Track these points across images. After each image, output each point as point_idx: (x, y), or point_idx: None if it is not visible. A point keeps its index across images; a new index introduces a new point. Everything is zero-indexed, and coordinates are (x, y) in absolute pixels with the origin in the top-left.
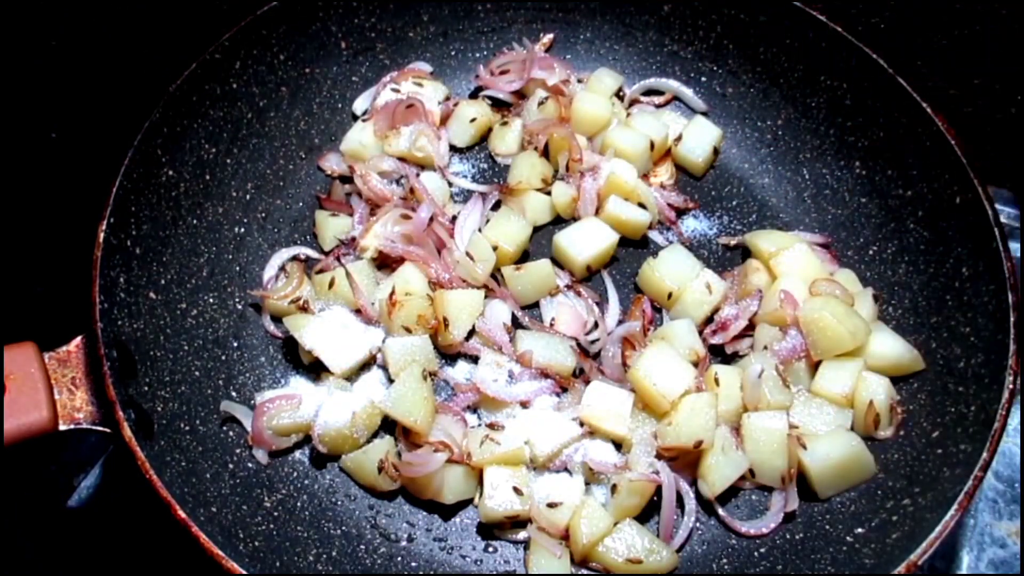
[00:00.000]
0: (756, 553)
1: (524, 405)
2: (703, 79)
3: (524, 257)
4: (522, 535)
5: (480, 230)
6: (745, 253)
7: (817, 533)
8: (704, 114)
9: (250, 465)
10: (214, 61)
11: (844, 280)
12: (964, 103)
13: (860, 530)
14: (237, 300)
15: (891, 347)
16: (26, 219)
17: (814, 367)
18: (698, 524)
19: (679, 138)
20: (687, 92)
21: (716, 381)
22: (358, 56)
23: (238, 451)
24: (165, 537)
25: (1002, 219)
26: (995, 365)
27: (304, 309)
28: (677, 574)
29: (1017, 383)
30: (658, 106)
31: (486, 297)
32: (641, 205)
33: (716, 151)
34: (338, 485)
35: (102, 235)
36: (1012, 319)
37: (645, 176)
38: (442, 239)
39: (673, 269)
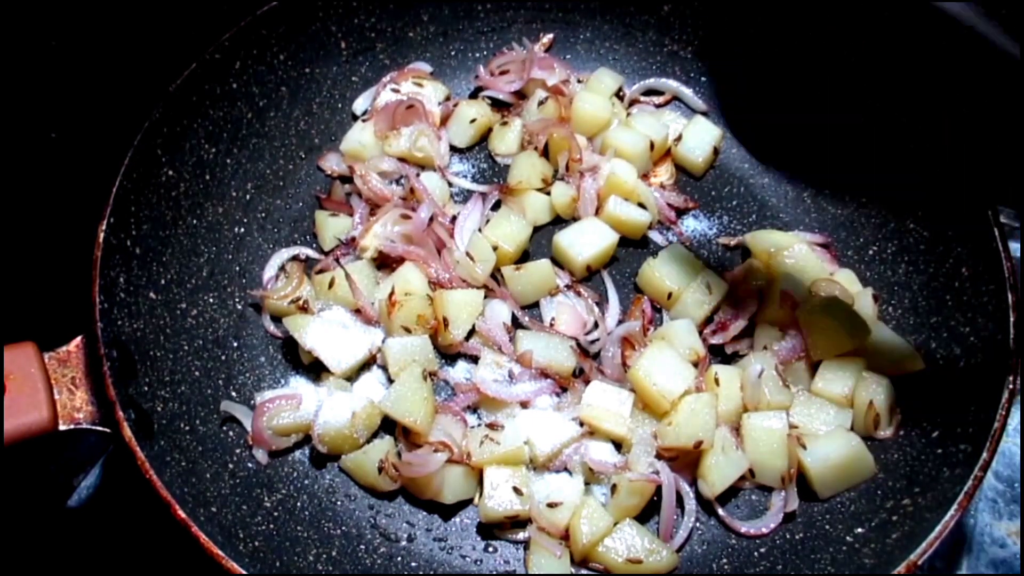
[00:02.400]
0: (756, 553)
1: (524, 405)
2: (703, 79)
3: (524, 257)
4: (522, 535)
5: (480, 230)
6: (745, 253)
7: (817, 533)
8: (704, 114)
9: (250, 465)
10: (214, 61)
11: (844, 280)
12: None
13: (860, 530)
14: (237, 300)
15: (891, 347)
16: (26, 219)
17: (814, 367)
18: (698, 524)
19: (679, 138)
20: (687, 92)
21: (716, 381)
22: (358, 56)
23: (238, 451)
24: (165, 537)
25: (1002, 219)
26: (995, 365)
27: (304, 309)
28: (677, 574)
29: (1017, 383)
30: (658, 106)
31: (486, 297)
32: (641, 205)
33: (716, 151)
34: (338, 485)
35: (102, 235)
36: (1012, 319)
37: (645, 176)
38: (442, 239)
39: (673, 269)
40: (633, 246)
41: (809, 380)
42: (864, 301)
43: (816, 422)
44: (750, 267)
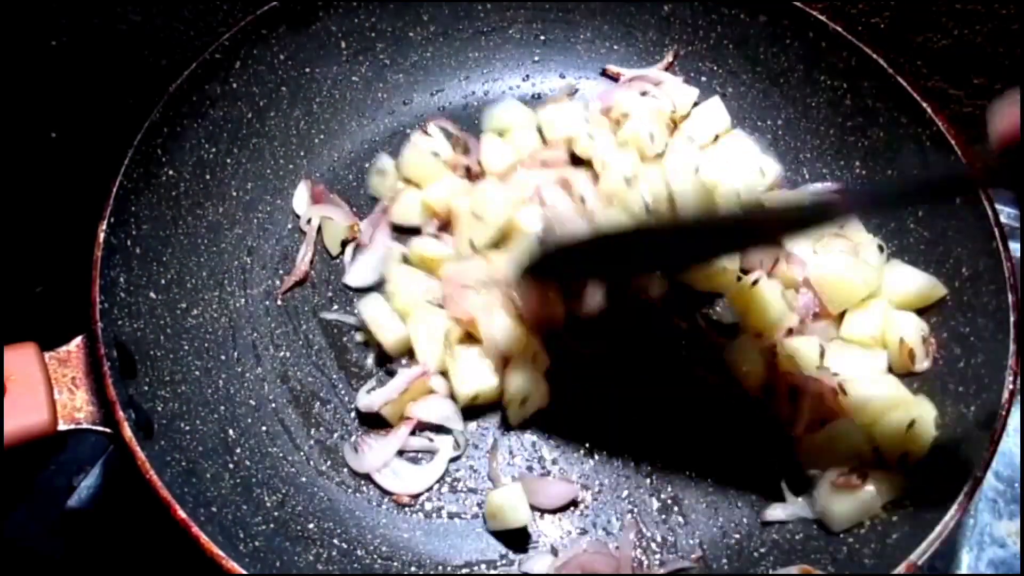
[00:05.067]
0: (756, 553)
1: None
2: (703, 79)
3: None
4: None
5: None
6: None
7: (817, 533)
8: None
9: (249, 465)
10: (214, 61)
11: (851, 231)
12: (964, 103)
13: (860, 530)
14: (237, 300)
15: (910, 279)
16: (26, 219)
17: (839, 318)
18: (699, 525)
19: (687, 116)
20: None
21: None
22: (358, 56)
23: (238, 451)
24: (165, 537)
25: (1002, 219)
26: (995, 365)
27: None
28: (676, 575)
29: (1017, 383)
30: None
31: None
32: None
33: (717, 139)
34: (339, 485)
35: (102, 235)
36: (1012, 319)
37: None
38: None
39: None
40: None
41: (836, 330)
42: (870, 249)
43: (852, 368)
44: None
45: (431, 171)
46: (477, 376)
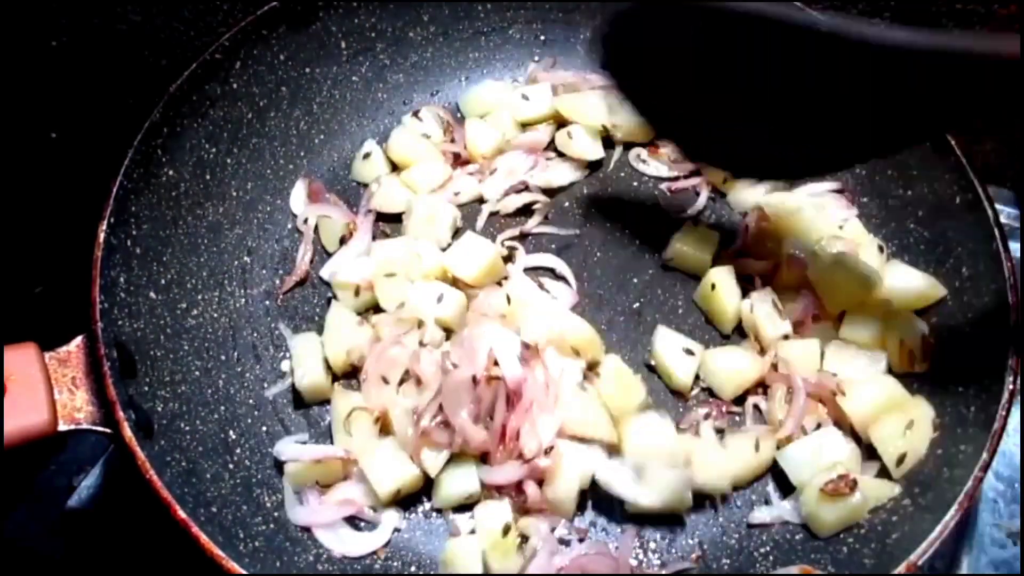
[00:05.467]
0: (756, 553)
1: None
2: None
3: None
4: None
5: None
6: None
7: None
8: None
9: (249, 465)
10: (214, 61)
11: (851, 231)
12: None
13: (860, 530)
14: (237, 300)
15: (910, 279)
16: (26, 219)
17: (839, 319)
18: (698, 525)
19: None
20: None
21: None
22: (358, 56)
23: (238, 451)
24: (165, 537)
25: (1002, 219)
26: (995, 365)
27: None
28: (677, 575)
29: (1017, 383)
30: None
31: None
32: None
33: None
34: None
35: (102, 235)
36: (1012, 319)
37: (655, 147)
38: None
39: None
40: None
41: (835, 332)
42: (870, 249)
43: (851, 369)
44: (760, 231)
45: (419, 153)
46: (396, 468)
